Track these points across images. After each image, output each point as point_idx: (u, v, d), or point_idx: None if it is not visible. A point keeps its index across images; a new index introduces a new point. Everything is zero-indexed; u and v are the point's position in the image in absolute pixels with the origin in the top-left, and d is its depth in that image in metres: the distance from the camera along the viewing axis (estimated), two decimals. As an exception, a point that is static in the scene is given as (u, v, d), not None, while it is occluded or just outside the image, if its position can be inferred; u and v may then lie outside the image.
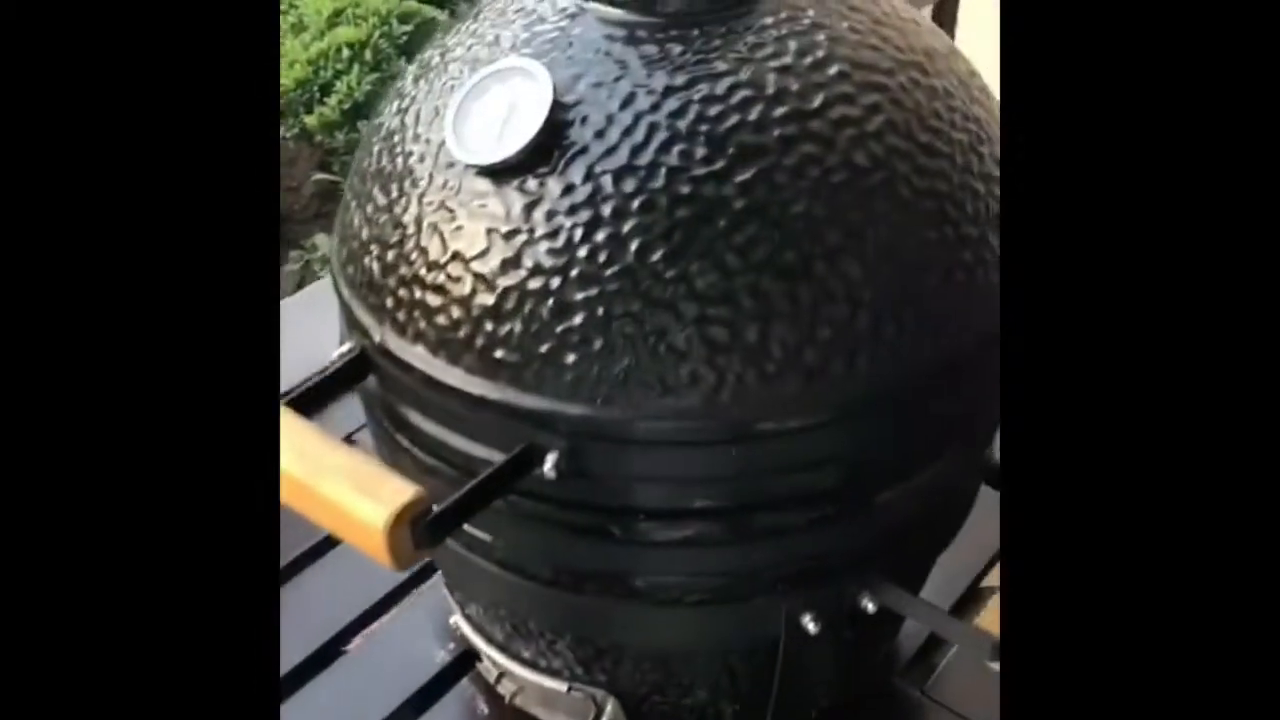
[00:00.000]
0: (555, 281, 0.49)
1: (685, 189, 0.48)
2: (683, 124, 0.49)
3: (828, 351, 0.49)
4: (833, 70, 0.51)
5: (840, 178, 0.49)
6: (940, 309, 0.51)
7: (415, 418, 0.54)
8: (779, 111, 0.50)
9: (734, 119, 0.49)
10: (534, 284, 0.49)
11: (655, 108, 0.50)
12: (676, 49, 0.51)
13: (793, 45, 0.51)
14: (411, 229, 0.52)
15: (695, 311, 0.48)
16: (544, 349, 0.49)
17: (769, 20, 0.52)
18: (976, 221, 0.52)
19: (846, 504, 0.53)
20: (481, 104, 0.51)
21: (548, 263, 0.49)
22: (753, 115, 0.50)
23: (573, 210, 0.49)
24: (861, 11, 0.54)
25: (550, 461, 0.50)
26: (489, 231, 0.50)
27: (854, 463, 0.52)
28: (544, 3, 0.56)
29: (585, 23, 0.53)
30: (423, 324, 0.52)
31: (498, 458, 0.50)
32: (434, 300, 0.51)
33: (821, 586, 0.55)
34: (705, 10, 0.52)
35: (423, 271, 0.52)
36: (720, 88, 0.50)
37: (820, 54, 0.51)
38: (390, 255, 0.53)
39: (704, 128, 0.49)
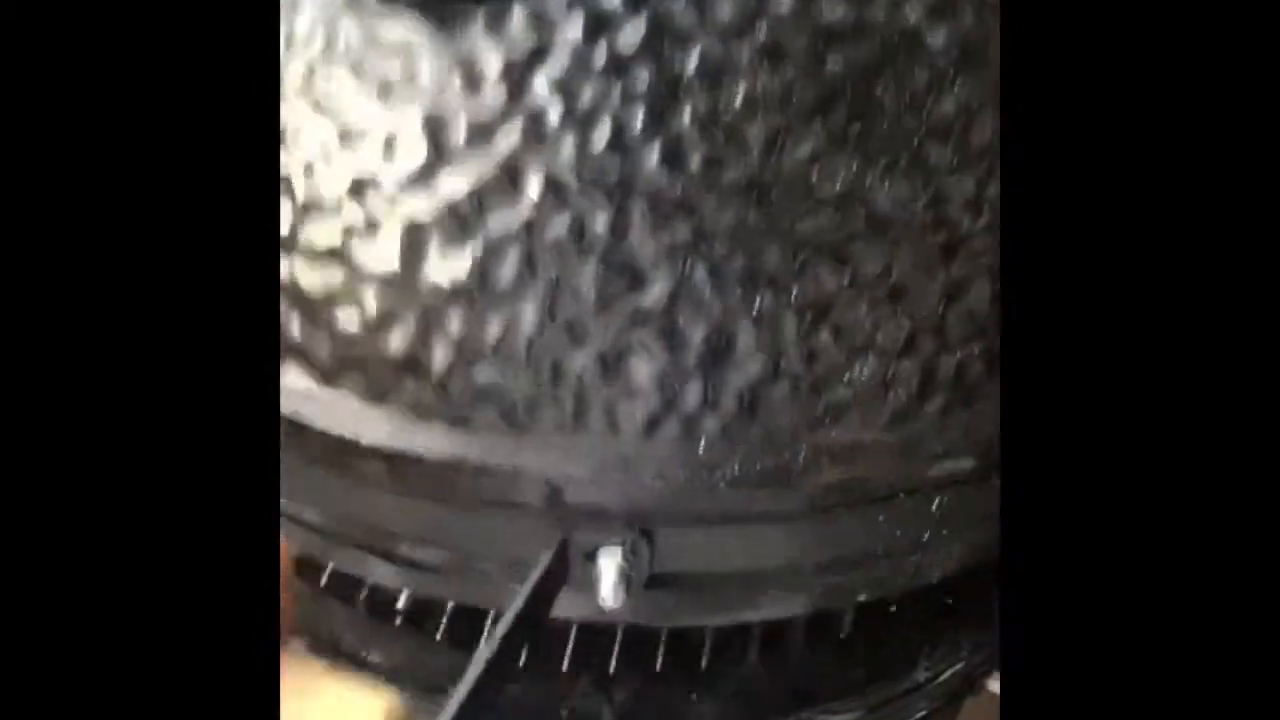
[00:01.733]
0: (600, 219, 0.24)
1: (840, 11, 0.24)
2: None
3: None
4: None
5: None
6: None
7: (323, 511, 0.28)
8: None
9: None
10: (554, 226, 0.24)
11: None
12: None
13: None
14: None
15: (887, 258, 0.24)
16: (585, 358, 0.24)
17: None
18: None
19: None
20: None
21: (577, 181, 0.24)
22: None
23: (616, 68, 0.24)
24: None
25: (610, 570, 0.25)
26: (429, 128, 0.24)
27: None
28: None
29: None
30: (309, 339, 0.25)
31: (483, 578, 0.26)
32: (328, 277, 0.25)
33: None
34: None
35: (304, 223, 0.25)
36: None
37: None
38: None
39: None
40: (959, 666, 0.33)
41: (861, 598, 0.28)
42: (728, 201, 0.24)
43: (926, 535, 0.27)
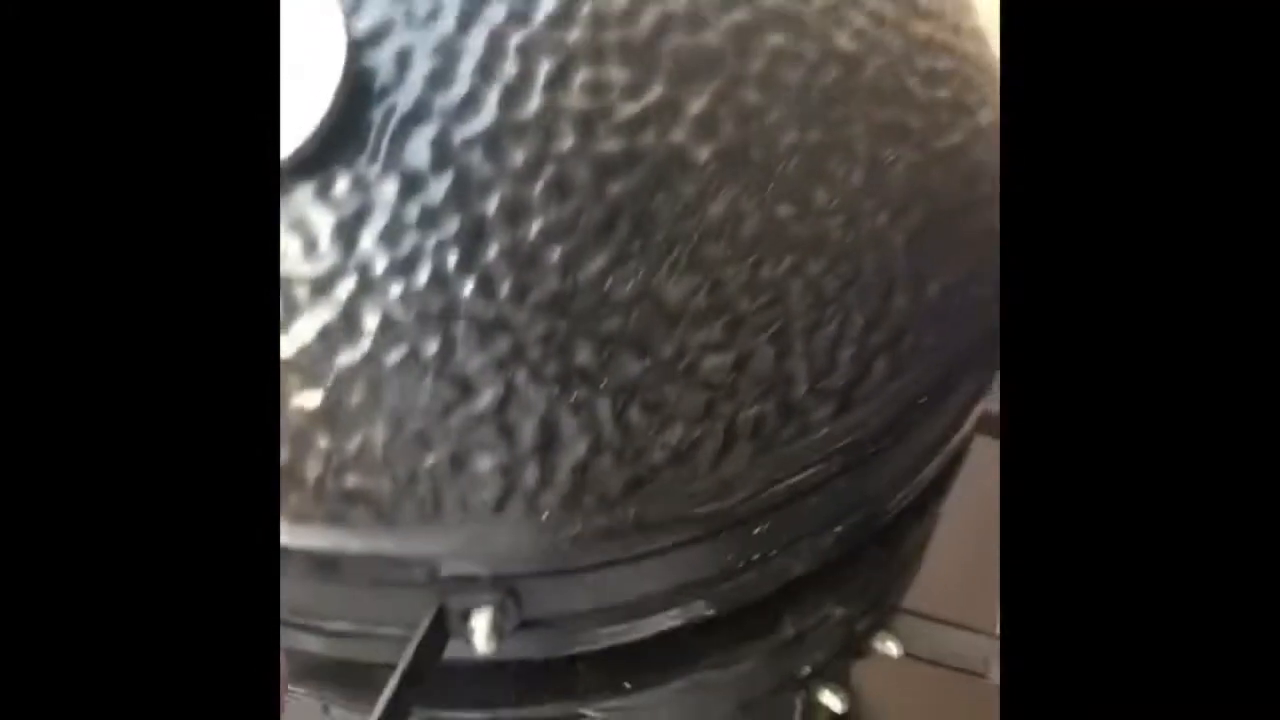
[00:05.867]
0: (430, 345, 0.28)
1: (615, 144, 0.29)
2: (577, 35, 0.29)
3: (868, 356, 0.31)
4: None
5: (831, 76, 0.31)
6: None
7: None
8: (716, -13, 0.30)
9: (653, 13, 0.30)
10: (392, 355, 0.28)
11: (521, 18, 0.29)
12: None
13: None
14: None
15: (680, 343, 0.29)
16: (435, 459, 0.29)
17: None
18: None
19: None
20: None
21: (406, 316, 0.28)
22: (680, 2, 0.30)
23: (429, 219, 0.28)
24: None
25: (482, 625, 0.30)
26: (286, 283, 0.28)
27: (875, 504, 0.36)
28: None
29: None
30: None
31: (386, 635, 0.31)
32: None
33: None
34: None
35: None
36: (616, -36, 0.30)
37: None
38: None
39: (612, 36, 0.29)
40: (829, 619, 0.38)
41: (708, 612, 0.34)
42: (538, 316, 0.28)
43: (754, 556, 0.32)
